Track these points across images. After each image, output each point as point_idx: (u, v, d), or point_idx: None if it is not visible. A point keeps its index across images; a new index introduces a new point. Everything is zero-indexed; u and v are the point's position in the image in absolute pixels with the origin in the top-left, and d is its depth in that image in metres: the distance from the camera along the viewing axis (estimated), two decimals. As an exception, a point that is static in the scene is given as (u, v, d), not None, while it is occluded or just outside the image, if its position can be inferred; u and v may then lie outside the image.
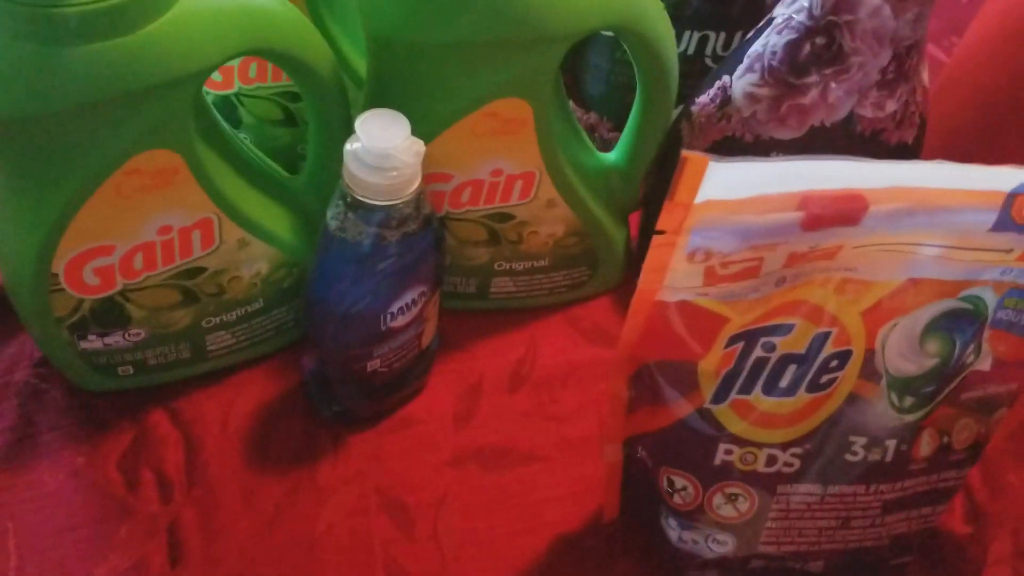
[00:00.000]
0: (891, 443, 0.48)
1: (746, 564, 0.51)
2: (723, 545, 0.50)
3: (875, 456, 0.48)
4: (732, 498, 0.49)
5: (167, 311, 0.53)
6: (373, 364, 0.53)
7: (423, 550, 0.52)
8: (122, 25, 0.43)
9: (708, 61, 0.64)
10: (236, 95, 0.60)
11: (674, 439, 0.48)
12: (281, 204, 0.55)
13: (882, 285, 0.44)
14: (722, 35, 0.64)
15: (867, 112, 0.54)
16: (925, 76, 0.56)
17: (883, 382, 0.46)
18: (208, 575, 0.50)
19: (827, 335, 0.45)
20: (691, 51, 0.65)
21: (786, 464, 0.48)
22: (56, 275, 0.49)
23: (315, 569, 0.51)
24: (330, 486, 0.54)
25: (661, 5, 0.54)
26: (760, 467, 0.48)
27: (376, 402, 0.56)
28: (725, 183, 0.40)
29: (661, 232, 0.40)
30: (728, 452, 0.47)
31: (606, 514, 0.54)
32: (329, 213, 0.49)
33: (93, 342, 0.53)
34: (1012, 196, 0.42)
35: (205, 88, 0.57)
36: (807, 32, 0.52)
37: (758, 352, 0.45)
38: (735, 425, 0.47)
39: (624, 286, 0.64)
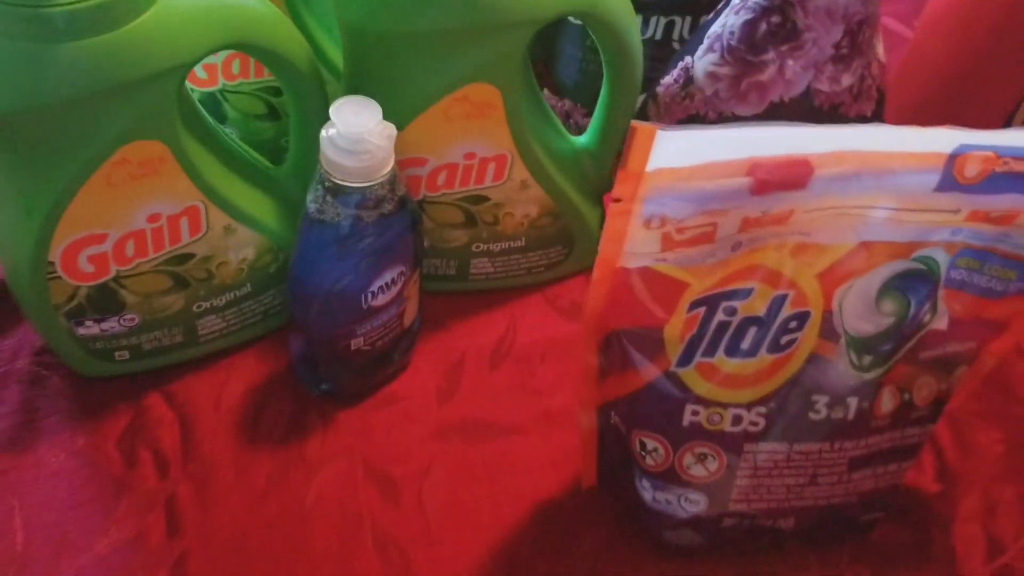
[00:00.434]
0: (852, 401, 0.50)
1: (719, 523, 0.53)
2: (695, 504, 0.52)
3: (838, 414, 0.50)
4: (701, 458, 0.51)
5: (159, 296, 0.55)
6: (357, 342, 0.56)
7: (408, 518, 0.54)
8: (107, 22, 0.45)
9: (676, 45, 0.66)
10: (221, 91, 0.63)
11: (643, 402, 0.50)
12: (266, 193, 0.57)
13: (836, 248, 0.46)
14: (688, 19, 0.66)
15: (824, 86, 0.56)
16: (880, 51, 0.58)
17: (842, 342, 0.48)
18: (204, 545, 0.53)
19: (784, 297, 0.47)
20: (659, 36, 0.67)
21: (751, 423, 0.50)
22: (52, 263, 0.51)
23: (305, 538, 0.53)
24: (319, 460, 0.56)
25: (622, -10, 0.56)
26: (726, 427, 0.50)
27: (361, 380, 0.59)
28: (676, 152, 0.42)
29: (617, 200, 0.43)
30: (695, 413, 0.49)
31: (584, 481, 0.56)
32: (309, 197, 0.52)
33: (90, 328, 0.55)
34: (953, 157, 0.43)
35: (191, 86, 0.60)
36: (763, 11, 0.55)
37: (720, 316, 0.47)
38: (700, 387, 0.49)
39: (600, 265, 0.67)
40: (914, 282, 0.48)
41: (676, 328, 0.47)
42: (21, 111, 0.46)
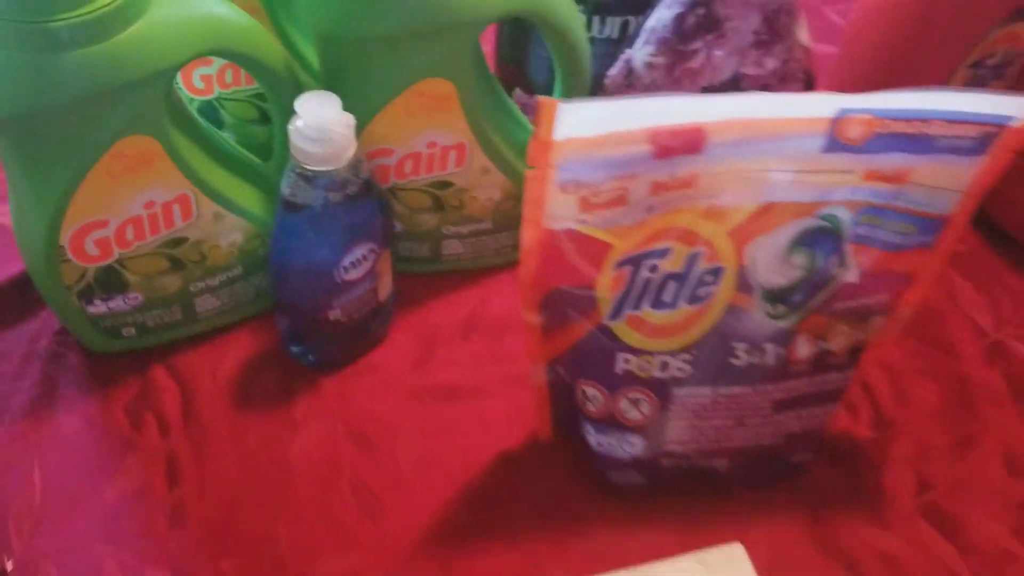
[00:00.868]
0: (770, 347, 0.54)
1: (657, 463, 0.58)
2: (634, 446, 0.57)
3: (756, 359, 0.54)
4: (635, 402, 0.56)
5: (158, 276, 0.62)
6: (335, 313, 0.62)
7: (382, 467, 0.61)
8: (102, 33, 0.52)
9: (629, 43, 0.72)
10: (217, 99, 0.70)
11: (582, 354, 0.55)
12: (253, 185, 0.64)
13: (743, 210, 0.50)
14: (640, 19, 0.72)
15: (750, 70, 0.62)
16: (802, 36, 0.63)
17: (756, 293, 0.53)
18: (201, 494, 0.59)
19: (699, 254, 0.51)
20: (615, 35, 0.73)
21: (678, 369, 0.54)
22: (63, 247, 0.58)
23: (290, 486, 0.60)
24: (304, 421, 0.63)
25: (565, -9, 0.62)
26: (655, 373, 0.54)
27: (342, 349, 0.65)
28: (584, 121, 0.47)
29: (531, 168, 0.49)
30: (627, 361, 0.54)
31: (540, 432, 0.61)
32: (283, 183, 0.59)
33: (99, 306, 0.62)
34: (835, 121, 0.48)
35: (190, 96, 0.67)
36: (690, 5, 0.61)
37: (644, 273, 0.52)
38: (631, 337, 0.54)
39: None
40: (819, 237, 0.51)
41: (605, 285, 0.52)
42: (31, 114, 0.53)
